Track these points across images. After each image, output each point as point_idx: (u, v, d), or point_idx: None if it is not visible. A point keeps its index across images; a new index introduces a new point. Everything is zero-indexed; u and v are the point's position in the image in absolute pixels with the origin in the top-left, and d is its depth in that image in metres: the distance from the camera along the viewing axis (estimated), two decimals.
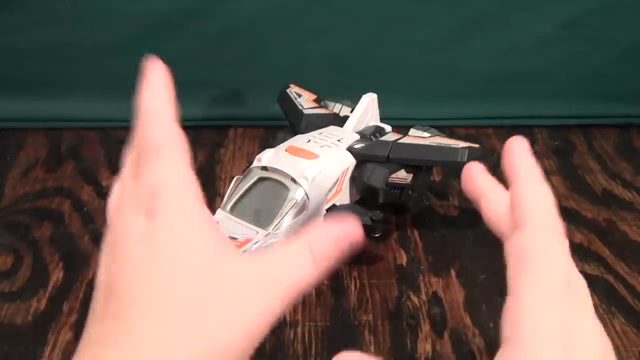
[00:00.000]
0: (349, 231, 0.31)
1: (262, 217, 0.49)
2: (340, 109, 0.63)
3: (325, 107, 0.64)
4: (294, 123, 0.61)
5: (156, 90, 0.35)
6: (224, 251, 0.29)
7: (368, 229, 0.52)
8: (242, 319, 0.28)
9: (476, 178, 0.38)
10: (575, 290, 0.29)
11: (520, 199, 0.32)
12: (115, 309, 0.27)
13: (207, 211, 0.31)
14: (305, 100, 0.63)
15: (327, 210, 0.53)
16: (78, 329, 0.47)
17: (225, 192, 0.52)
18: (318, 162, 0.52)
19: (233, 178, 0.53)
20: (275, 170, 0.51)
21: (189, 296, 0.27)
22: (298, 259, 0.30)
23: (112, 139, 0.71)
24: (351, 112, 0.62)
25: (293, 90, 0.65)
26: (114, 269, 0.28)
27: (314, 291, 0.51)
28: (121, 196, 0.31)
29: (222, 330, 0.27)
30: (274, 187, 0.50)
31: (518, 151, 0.36)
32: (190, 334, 0.26)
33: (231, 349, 0.27)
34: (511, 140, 0.36)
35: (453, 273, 0.54)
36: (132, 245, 0.28)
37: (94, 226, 0.58)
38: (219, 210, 0.50)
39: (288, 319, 0.49)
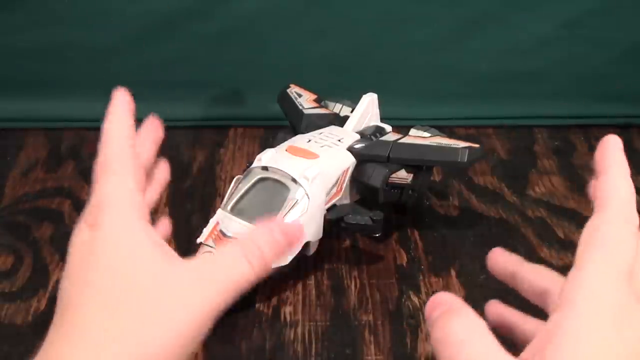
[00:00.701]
0: (286, 234, 0.35)
1: (262, 217, 0.49)
2: (341, 109, 0.63)
3: (326, 107, 0.64)
4: (294, 123, 0.61)
5: (118, 115, 0.39)
6: (161, 256, 0.33)
7: (369, 229, 0.52)
8: (181, 314, 0.31)
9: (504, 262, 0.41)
10: (636, 283, 0.29)
11: (606, 187, 0.33)
12: (69, 314, 0.31)
13: (143, 221, 0.34)
14: (305, 100, 0.63)
15: (328, 210, 0.53)
16: None
17: (226, 192, 0.52)
18: (318, 162, 0.52)
19: (233, 178, 0.53)
20: (275, 170, 0.51)
21: (129, 298, 0.31)
22: (232, 259, 0.34)
23: None
24: (351, 112, 0.62)
25: (293, 90, 0.65)
26: (65, 276, 0.33)
27: (314, 291, 0.51)
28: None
29: (163, 325, 0.31)
30: (275, 187, 0.50)
31: (613, 148, 0.37)
32: (132, 333, 0.30)
33: (174, 342, 0.31)
34: (608, 137, 0.37)
35: (453, 273, 0.54)
36: (78, 255, 0.33)
37: None
38: (219, 210, 0.50)
39: (288, 319, 0.49)
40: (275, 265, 0.48)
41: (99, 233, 0.33)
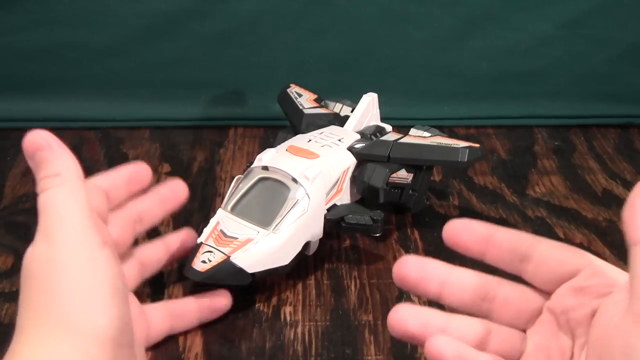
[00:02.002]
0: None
1: (263, 217, 0.49)
2: (341, 108, 0.63)
3: (326, 107, 0.64)
4: (294, 123, 0.61)
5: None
6: (96, 254, 0.36)
7: (369, 229, 0.52)
8: (114, 303, 0.35)
9: None
10: None
11: None
12: (27, 320, 0.35)
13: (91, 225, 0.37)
14: (305, 100, 0.63)
15: (328, 210, 0.53)
16: None
17: (226, 192, 0.52)
18: (319, 162, 0.52)
19: (233, 178, 0.53)
20: (276, 170, 0.51)
21: (64, 297, 0.35)
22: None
23: (112, 139, 0.71)
24: (351, 112, 0.62)
25: (293, 90, 0.65)
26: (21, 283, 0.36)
27: (314, 291, 0.51)
28: None
29: (98, 317, 0.35)
30: (275, 186, 0.50)
31: None
32: (71, 333, 0.34)
33: (109, 329, 0.35)
34: None
35: None
36: (26, 262, 0.36)
37: None
38: (219, 210, 0.50)
39: (288, 319, 0.49)
40: (275, 266, 0.48)
41: (42, 240, 0.36)
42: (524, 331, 0.36)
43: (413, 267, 0.38)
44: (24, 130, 0.78)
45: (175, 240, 0.49)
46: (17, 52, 0.71)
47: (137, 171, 0.45)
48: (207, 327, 0.47)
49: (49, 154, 0.39)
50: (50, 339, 0.34)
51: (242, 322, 0.48)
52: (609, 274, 0.34)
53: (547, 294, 0.35)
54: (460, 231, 0.38)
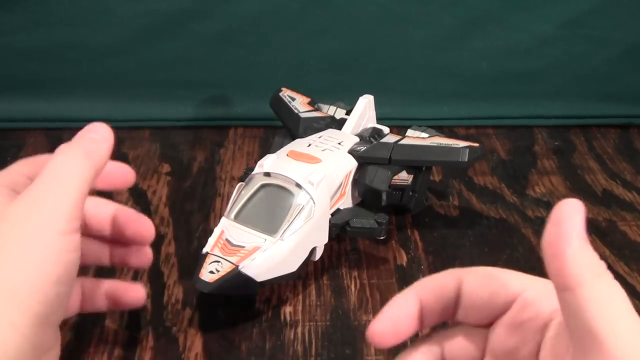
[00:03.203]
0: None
1: (269, 224, 0.48)
2: (335, 111, 0.63)
3: (319, 109, 0.64)
4: (290, 127, 0.61)
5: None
6: (61, 233, 0.34)
7: (374, 233, 0.52)
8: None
9: None
10: None
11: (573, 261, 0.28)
12: None
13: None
14: (299, 104, 0.63)
15: (332, 214, 0.52)
16: (78, 329, 0.47)
17: (225, 192, 0.52)
18: (322, 167, 0.52)
19: (233, 178, 0.53)
20: (278, 176, 0.50)
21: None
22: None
23: None
24: (346, 114, 0.62)
25: (286, 94, 0.65)
26: None
27: (314, 291, 0.51)
28: None
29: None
30: (278, 193, 0.50)
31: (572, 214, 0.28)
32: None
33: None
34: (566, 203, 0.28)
35: None
36: None
37: None
38: (223, 219, 0.49)
39: (288, 319, 0.49)
40: (283, 273, 0.48)
41: None
42: None
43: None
44: (24, 131, 0.78)
45: (123, 288, 0.44)
46: (17, 52, 0.71)
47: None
48: (207, 327, 0.47)
49: (95, 135, 0.37)
50: None
51: (242, 322, 0.48)
52: (540, 304, 0.31)
53: (485, 328, 0.33)
54: (386, 333, 0.33)
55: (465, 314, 0.33)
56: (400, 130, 0.61)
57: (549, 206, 0.62)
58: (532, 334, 0.31)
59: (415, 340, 0.35)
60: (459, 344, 0.34)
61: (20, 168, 0.38)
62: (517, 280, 0.32)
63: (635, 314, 0.27)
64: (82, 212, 0.35)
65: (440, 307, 0.33)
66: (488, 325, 0.33)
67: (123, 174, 0.43)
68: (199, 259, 0.47)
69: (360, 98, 0.60)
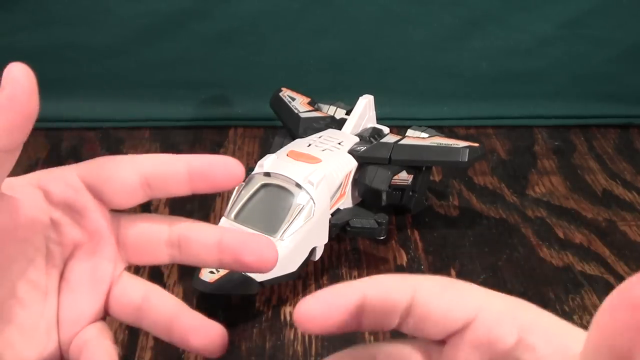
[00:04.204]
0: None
1: (269, 224, 0.48)
2: (335, 111, 0.63)
3: (319, 109, 0.64)
4: (290, 127, 0.61)
5: None
6: None
7: (374, 232, 0.52)
8: None
9: None
10: None
11: None
12: None
13: None
14: (299, 104, 0.63)
15: (332, 214, 0.52)
16: None
17: (225, 192, 0.52)
18: (322, 167, 0.52)
19: None
20: (278, 176, 0.50)
21: None
22: None
23: (112, 139, 0.71)
24: (346, 114, 0.62)
25: (286, 93, 0.65)
26: None
27: (314, 291, 0.51)
28: None
29: None
30: (278, 193, 0.50)
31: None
32: None
33: None
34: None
35: (453, 273, 0.54)
36: None
37: None
38: (223, 219, 0.49)
39: (288, 319, 0.49)
40: (283, 273, 0.48)
41: None
42: None
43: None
44: None
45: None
46: (17, 52, 0.70)
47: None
48: None
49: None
50: None
51: (242, 322, 0.48)
52: (500, 329, 0.28)
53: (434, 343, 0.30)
54: (314, 315, 0.29)
55: (416, 326, 0.30)
56: (400, 130, 0.61)
57: (549, 206, 0.62)
58: (499, 355, 0.28)
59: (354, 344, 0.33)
60: (399, 356, 0.31)
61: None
62: (477, 295, 0.30)
63: None
64: None
65: (385, 310, 0.29)
66: (440, 341, 0.30)
67: (225, 170, 0.35)
68: None
69: (360, 98, 0.60)
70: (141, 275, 0.52)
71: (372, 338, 0.47)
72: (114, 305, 0.36)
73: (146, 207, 0.60)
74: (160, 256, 0.36)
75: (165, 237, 0.36)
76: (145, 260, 0.37)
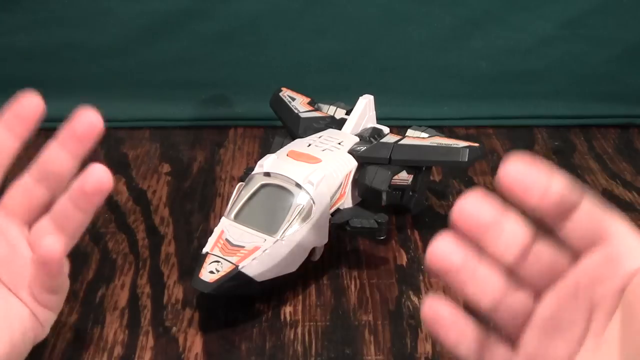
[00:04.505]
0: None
1: (269, 224, 0.48)
2: (335, 111, 0.63)
3: (319, 109, 0.64)
4: (290, 127, 0.61)
5: None
6: None
7: (374, 232, 0.52)
8: None
9: None
10: None
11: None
12: None
13: None
14: (299, 104, 0.63)
15: (332, 214, 0.52)
16: (78, 329, 0.47)
17: (225, 192, 0.52)
18: (322, 167, 0.52)
19: (233, 178, 0.53)
20: (278, 176, 0.50)
21: None
22: None
23: (112, 139, 0.71)
24: (346, 114, 0.62)
25: (286, 93, 0.65)
26: None
27: (314, 291, 0.51)
28: None
29: None
30: (278, 193, 0.50)
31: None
32: None
33: None
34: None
35: None
36: None
37: (94, 226, 0.58)
38: (223, 219, 0.49)
39: (288, 319, 0.49)
40: (283, 273, 0.48)
41: None
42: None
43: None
44: None
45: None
46: (17, 52, 0.71)
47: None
48: (207, 327, 0.47)
49: None
50: None
51: (242, 322, 0.48)
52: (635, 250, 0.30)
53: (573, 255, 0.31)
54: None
55: (570, 232, 0.31)
56: (400, 130, 0.61)
57: None
58: (622, 274, 0.30)
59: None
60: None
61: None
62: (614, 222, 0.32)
63: None
64: None
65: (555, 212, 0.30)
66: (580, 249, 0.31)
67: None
68: (199, 259, 0.47)
69: (360, 98, 0.60)
70: (141, 275, 0.52)
71: (372, 338, 0.47)
72: None
73: (146, 208, 0.60)
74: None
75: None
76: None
